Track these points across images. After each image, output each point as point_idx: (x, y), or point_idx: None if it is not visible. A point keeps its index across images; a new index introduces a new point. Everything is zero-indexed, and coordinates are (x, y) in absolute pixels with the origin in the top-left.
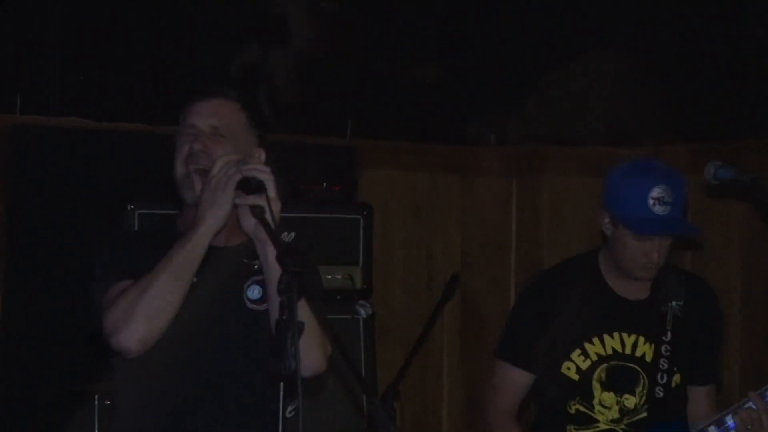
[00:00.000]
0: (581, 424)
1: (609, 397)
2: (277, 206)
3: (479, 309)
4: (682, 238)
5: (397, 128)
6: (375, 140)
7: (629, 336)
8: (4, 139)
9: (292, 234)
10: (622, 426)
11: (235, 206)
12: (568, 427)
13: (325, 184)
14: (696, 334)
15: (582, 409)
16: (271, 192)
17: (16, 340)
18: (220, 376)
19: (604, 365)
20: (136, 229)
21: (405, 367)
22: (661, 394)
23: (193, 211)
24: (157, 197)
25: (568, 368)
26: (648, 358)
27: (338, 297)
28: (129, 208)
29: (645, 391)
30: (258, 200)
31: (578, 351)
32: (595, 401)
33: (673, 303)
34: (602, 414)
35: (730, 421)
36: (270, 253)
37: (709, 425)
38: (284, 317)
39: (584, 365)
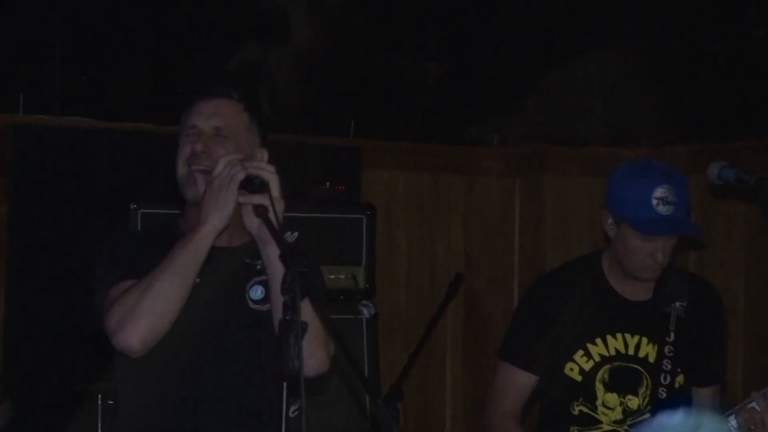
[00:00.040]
0: (584, 425)
1: (612, 398)
2: (280, 206)
3: (482, 309)
4: (686, 238)
5: (400, 128)
6: (378, 140)
7: (632, 337)
8: (7, 138)
9: (295, 234)
10: (625, 427)
11: (238, 206)
12: (571, 428)
13: (328, 184)
14: (699, 334)
15: (585, 410)
16: (275, 191)
17: (19, 339)
18: (222, 377)
19: (607, 366)
20: (138, 228)
21: (408, 367)
22: (665, 395)
23: (195, 210)
24: (159, 197)
25: (571, 369)
26: (651, 359)
27: (341, 297)
28: (132, 207)
29: (648, 392)
30: (262, 199)
31: (581, 352)
32: (598, 402)
33: (677, 304)
34: (605, 415)
35: (733, 421)
36: (273, 252)
37: None
38: (287, 317)
39: (587, 366)
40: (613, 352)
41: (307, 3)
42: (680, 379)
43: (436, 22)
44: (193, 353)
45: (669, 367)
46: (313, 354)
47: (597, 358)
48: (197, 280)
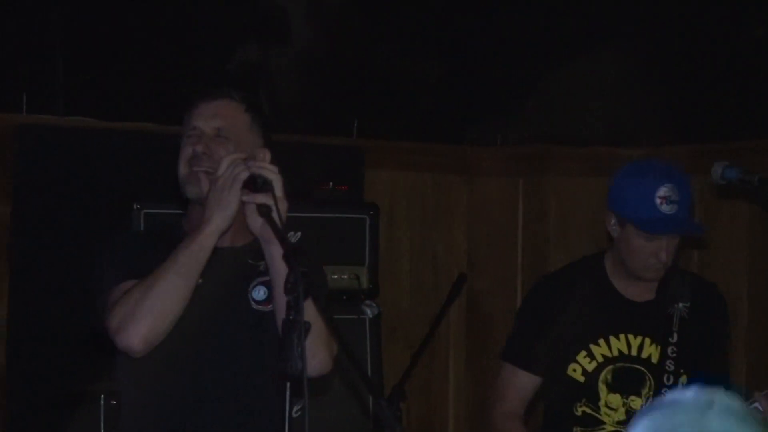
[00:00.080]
0: (588, 425)
1: (615, 398)
2: (284, 205)
3: (485, 309)
4: (689, 237)
5: (402, 129)
6: (381, 140)
7: (635, 337)
8: (10, 138)
9: (298, 234)
10: (628, 428)
11: (242, 205)
12: (574, 429)
13: (331, 183)
14: (702, 335)
15: (588, 410)
16: (278, 191)
17: (22, 339)
18: (224, 377)
19: (610, 367)
20: (141, 228)
21: (411, 368)
22: None
23: (199, 210)
24: (162, 197)
25: (574, 370)
26: (654, 360)
27: (344, 297)
28: (135, 207)
29: (651, 393)
30: (265, 199)
31: (584, 353)
32: (601, 403)
33: (680, 304)
34: (608, 416)
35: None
36: (276, 252)
37: None
38: (290, 317)
39: (590, 367)
40: (615, 353)
41: (308, 2)
42: (683, 379)
43: (439, 21)
44: (195, 353)
45: (672, 367)
46: (316, 354)
47: (600, 359)
48: (200, 280)
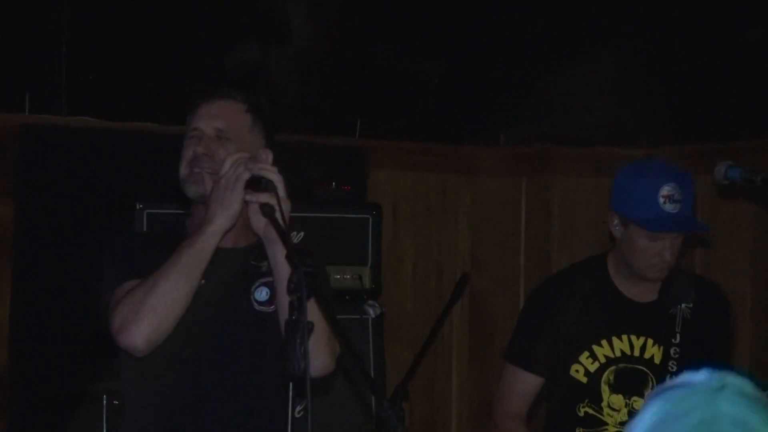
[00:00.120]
0: (590, 426)
1: (617, 399)
2: (287, 205)
3: (488, 309)
4: (692, 237)
5: (405, 128)
6: (384, 140)
7: (638, 338)
8: (13, 138)
9: (301, 234)
10: None
11: (245, 206)
12: (577, 430)
13: (334, 183)
14: (705, 336)
15: (591, 411)
16: (281, 191)
17: (23, 339)
18: (226, 378)
19: (613, 368)
20: (144, 228)
21: (414, 368)
22: None
23: (201, 210)
24: (165, 197)
25: (577, 371)
26: (657, 361)
27: (347, 297)
28: (138, 207)
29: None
30: (268, 198)
31: (586, 353)
32: (604, 404)
33: (682, 305)
34: (611, 416)
35: None
36: (279, 252)
37: None
38: (293, 317)
39: (592, 368)
40: (618, 354)
41: (308, 2)
42: None
43: (440, 21)
44: (197, 354)
45: (674, 368)
46: (319, 354)
47: (602, 360)
48: (202, 281)
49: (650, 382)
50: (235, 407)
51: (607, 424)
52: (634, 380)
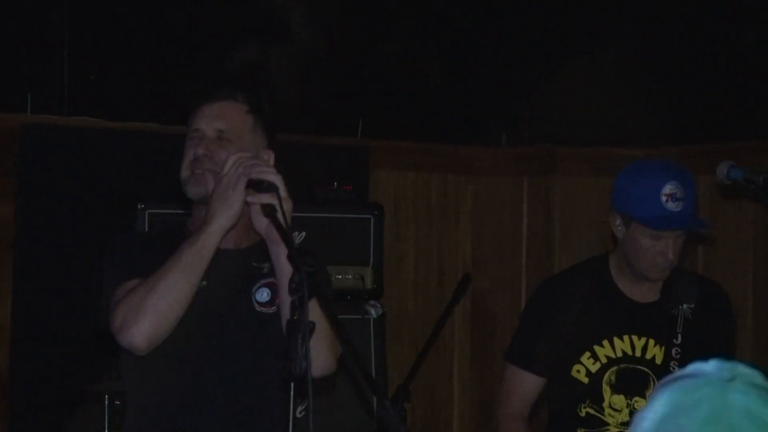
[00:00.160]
0: (592, 427)
1: (619, 399)
2: (289, 205)
3: (489, 309)
4: (694, 237)
5: (407, 128)
6: (385, 140)
7: (639, 339)
8: (15, 138)
9: (303, 234)
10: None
11: (246, 205)
12: (578, 430)
13: (335, 183)
14: (707, 336)
15: (592, 412)
16: (283, 191)
17: (25, 339)
18: (227, 378)
19: (614, 368)
20: (146, 228)
21: (415, 368)
22: None
23: (203, 210)
24: (167, 197)
25: (578, 371)
26: (658, 361)
27: (349, 297)
28: (139, 207)
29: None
30: (270, 199)
31: (588, 354)
32: (605, 404)
33: (684, 305)
34: (612, 417)
35: None
36: (282, 252)
37: None
38: (295, 317)
39: (594, 368)
40: (619, 354)
41: (308, 2)
42: None
43: (441, 21)
44: (198, 355)
45: (676, 369)
46: (320, 355)
47: (603, 360)
48: (203, 282)
49: (652, 383)
50: (236, 408)
51: (608, 424)
52: (636, 381)
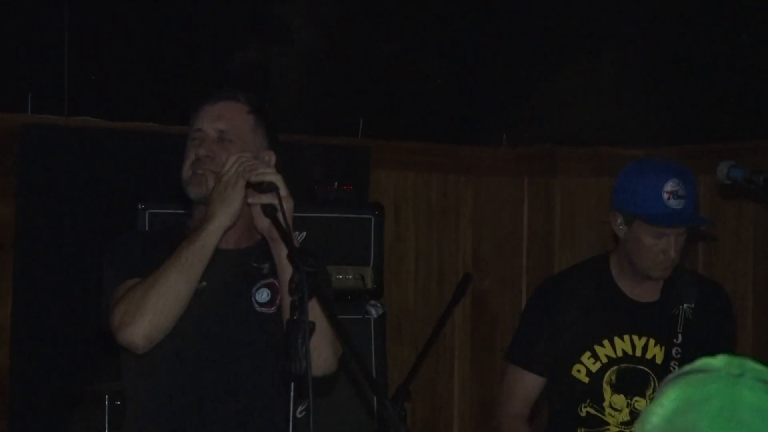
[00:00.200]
0: (592, 426)
1: (619, 399)
2: (290, 204)
3: (490, 309)
4: (695, 236)
5: (408, 128)
6: (386, 140)
7: (639, 338)
8: (15, 138)
9: (303, 234)
10: (633, 429)
11: (247, 206)
12: (578, 430)
13: (336, 183)
14: (707, 336)
15: (592, 411)
16: (283, 190)
17: (25, 339)
18: (227, 378)
19: (614, 368)
20: (146, 228)
21: (416, 368)
22: None
23: (203, 210)
24: (167, 197)
25: (578, 371)
26: (658, 361)
27: (349, 297)
28: (140, 207)
29: (655, 394)
30: (270, 199)
31: (588, 353)
32: (606, 404)
33: (684, 305)
34: (613, 416)
35: None
36: (284, 251)
37: None
38: (295, 317)
39: (594, 368)
40: (620, 354)
41: (309, 2)
42: None
43: (442, 21)
44: (198, 355)
45: (676, 368)
46: (321, 354)
47: (604, 360)
48: (203, 283)
49: (652, 383)
50: (236, 408)
51: (608, 424)
52: (636, 380)
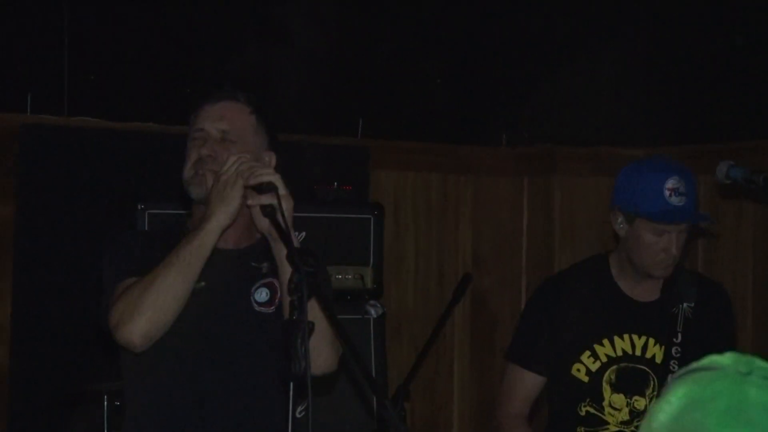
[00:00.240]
0: (592, 425)
1: (619, 398)
2: (289, 202)
3: (490, 309)
4: (695, 234)
5: (407, 128)
6: (386, 140)
7: (639, 338)
8: (15, 138)
9: (303, 234)
10: (632, 428)
11: (246, 207)
12: (578, 429)
13: (335, 183)
14: (707, 335)
15: (592, 410)
16: (282, 189)
17: (25, 339)
18: (227, 378)
19: (614, 367)
20: (146, 228)
21: (415, 368)
22: None
23: (201, 209)
24: (167, 197)
25: (578, 370)
26: (658, 360)
27: (349, 297)
28: (139, 207)
29: (655, 393)
30: (269, 199)
31: (588, 353)
32: (605, 403)
33: (684, 304)
34: (612, 416)
35: None
36: (284, 252)
37: None
38: (294, 317)
39: (594, 367)
40: (620, 353)
41: (309, 2)
42: None
43: (447, 20)
44: (197, 354)
45: (676, 368)
46: (321, 353)
47: (604, 359)
48: (202, 283)
49: (652, 382)
50: (235, 408)
51: (608, 423)
52: (636, 380)
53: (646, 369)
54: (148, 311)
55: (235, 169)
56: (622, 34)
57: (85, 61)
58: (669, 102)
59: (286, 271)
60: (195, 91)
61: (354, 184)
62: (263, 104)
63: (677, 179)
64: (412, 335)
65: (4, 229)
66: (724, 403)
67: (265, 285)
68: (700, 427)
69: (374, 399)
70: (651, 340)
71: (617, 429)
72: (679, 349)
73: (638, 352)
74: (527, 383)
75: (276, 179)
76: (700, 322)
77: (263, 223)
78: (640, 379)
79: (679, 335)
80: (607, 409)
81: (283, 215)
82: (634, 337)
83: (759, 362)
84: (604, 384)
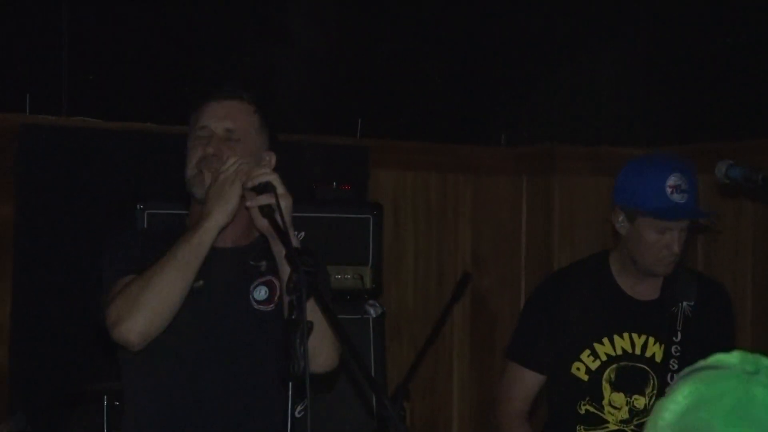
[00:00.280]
0: (591, 424)
1: (618, 397)
2: (288, 201)
3: (489, 308)
4: (695, 232)
5: (407, 128)
6: (385, 140)
7: (639, 336)
8: (14, 138)
9: (302, 233)
10: (632, 427)
11: (246, 207)
12: (578, 428)
13: (335, 183)
14: (707, 334)
15: (592, 409)
16: (280, 188)
17: (24, 339)
18: (226, 377)
19: (614, 366)
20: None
21: (415, 367)
22: None
23: (200, 207)
24: (166, 197)
25: (578, 369)
26: (658, 359)
27: (348, 297)
28: (138, 207)
29: (654, 392)
30: (268, 199)
31: (588, 351)
32: (605, 402)
33: (684, 303)
34: (612, 414)
35: None
36: (284, 251)
37: None
38: (293, 316)
39: (593, 366)
40: (619, 352)
41: (310, 2)
42: None
43: (442, 20)
44: (197, 353)
45: (676, 366)
46: (322, 352)
47: (603, 358)
48: (201, 282)
49: (651, 381)
50: (235, 407)
51: (608, 422)
52: (636, 378)
53: (646, 368)
54: (146, 309)
55: (234, 168)
56: (622, 34)
57: (84, 61)
58: (669, 101)
59: (286, 270)
60: (195, 92)
61: (353, 183)
62: (266, 104)
63: (678, 176)
64: (411, 335)
65: (3, 229)
66: (731, 402)
67: (263, 283)
68: (707, 426)
69: (374, 398)
70: (651, 339)
71: (617, 428)
72: (678, 348)
73: (638, 351)
74: (527, 381)
75: (274, 178)
76: (700, 321)
77: (262, 224)
78: (639, 378)
79: (679, 334)
80: (607, 408)
81: (281, 214)
82: (634, 335)
83: (766, 361)
84: (603, 383)
